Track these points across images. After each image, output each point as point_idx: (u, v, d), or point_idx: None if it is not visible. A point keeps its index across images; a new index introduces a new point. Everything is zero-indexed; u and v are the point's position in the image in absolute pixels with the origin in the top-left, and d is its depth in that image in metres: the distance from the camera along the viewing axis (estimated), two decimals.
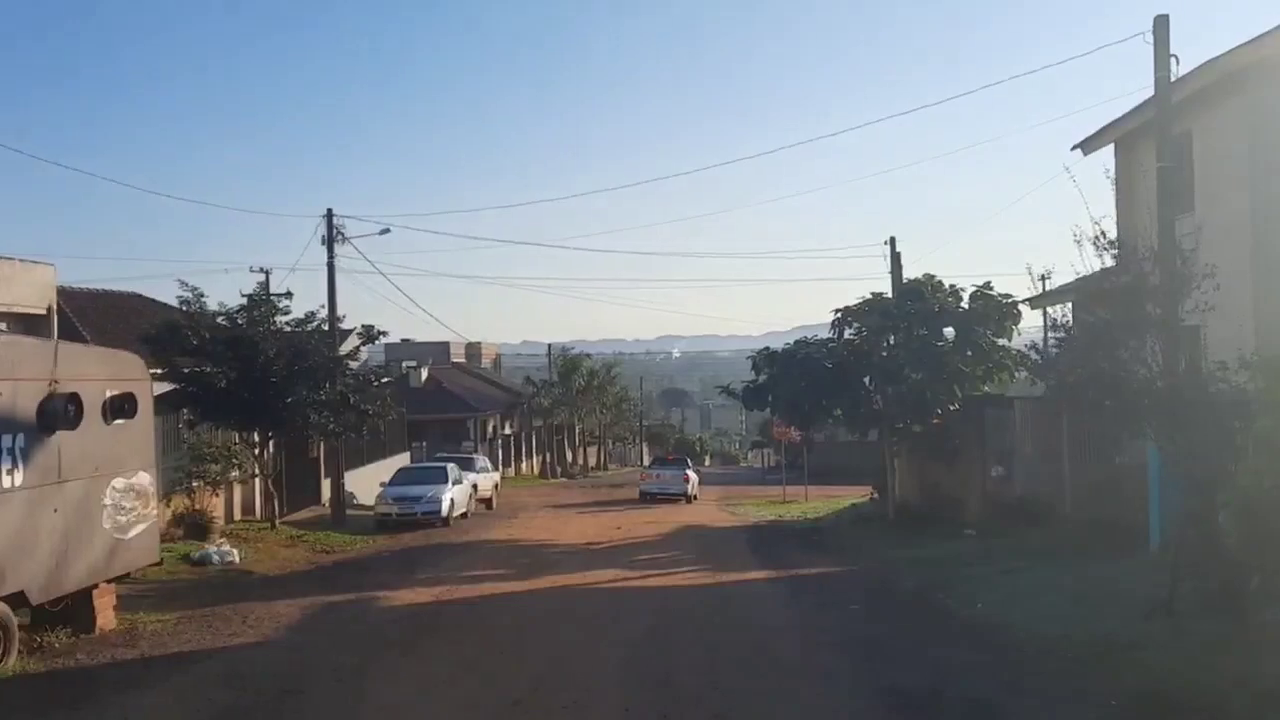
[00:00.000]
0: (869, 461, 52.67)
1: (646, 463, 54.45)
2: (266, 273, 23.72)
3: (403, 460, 40.63)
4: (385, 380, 25.88)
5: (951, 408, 22.39)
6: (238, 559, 18.47)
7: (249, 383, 22.73)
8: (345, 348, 26.26)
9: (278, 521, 24.88)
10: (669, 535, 23.51)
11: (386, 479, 29.68)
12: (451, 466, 29.67)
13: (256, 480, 25.17)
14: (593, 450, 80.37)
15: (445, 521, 26.92)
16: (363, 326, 25.16)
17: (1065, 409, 16.49)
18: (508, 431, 65.57)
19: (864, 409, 23.11)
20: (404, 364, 69.67)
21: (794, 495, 38.39)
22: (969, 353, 22.47)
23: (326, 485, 32.52)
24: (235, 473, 22.16)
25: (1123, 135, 19.51)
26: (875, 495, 28.72)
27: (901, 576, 14.29)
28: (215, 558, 18.09)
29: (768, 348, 24.01)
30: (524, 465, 65.23)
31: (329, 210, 27.33)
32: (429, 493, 26.97)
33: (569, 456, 69.23)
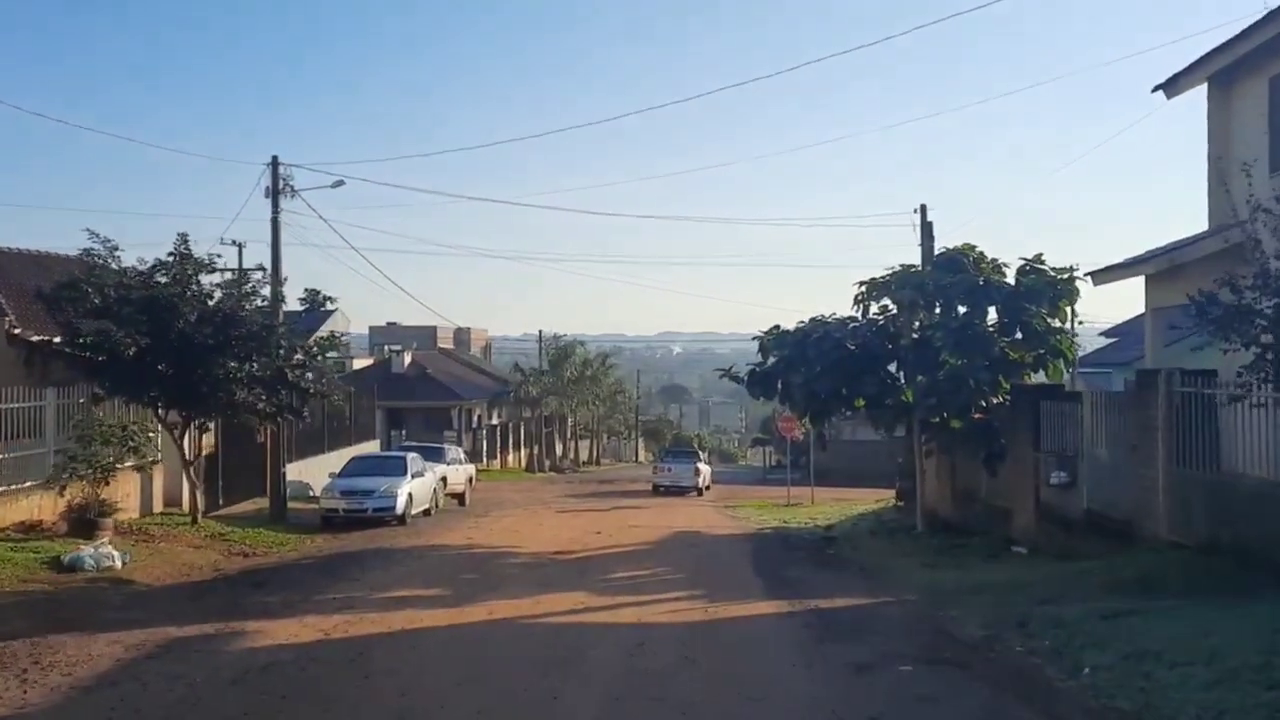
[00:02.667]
0: (878, 462, 49.46)
1: (656, 456, 53.58)
2: (184, 235, 20.08)
3: (372, 448, 37.05)
4: (329, 353, 22.16)
5: (995, 400, 18.82)
6: (119, 564, 14.90)
7: (164, 351, 19.21)
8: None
9: (202, 516, 21.32)
10: (656, 544, 19.92)
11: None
12: (413, 457, 26.09)
13: (192, 466, 21.62)
14: (585, 444, 76.75)
15: (401, 519, 23.41)
16: (306, 291, 21.62)
17: (1164, 399, 12.95)
18: (494, 422, 62.01)
19: (892, 400, 19.50)
20: (387, 348, 66.25)
21: (799, 497, 34.87)
22: (1019, 335, 18.90)
23: (284, 474, 29.08)
24: (131, 459, 18.53)
25: (1220, 70, 15.99)
26: (899, 501, 25.15)
27: (958, 615, 10.65)
28: (90, 562, 14.52)
29: (777, 326, 20.36)
30: (510, 458, 61.62)
31: (274, 158, 23.72)
32: (382, 486, 23.45)
33: (559, 450, 65.61)
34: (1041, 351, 18.87)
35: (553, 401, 59.11)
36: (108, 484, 17.46)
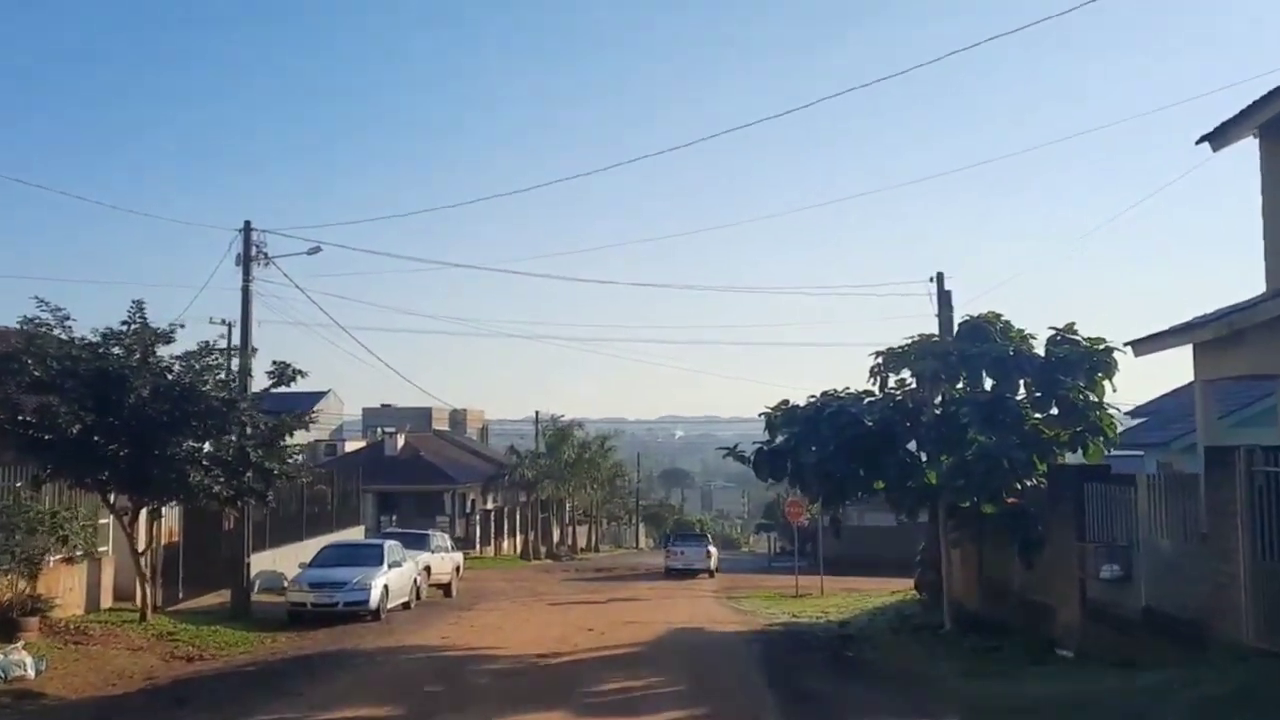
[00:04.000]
0: (890, 549, 47.03)
1: (666, 541, 53.99)
2: (139, 303, 18.53)
3: (356, 535, 34.99)
4: (295, 431, 20.35)
5: (1030, 482, 16.95)
6: (32, 672, 12.96)
7: (114, 429, 17.47)
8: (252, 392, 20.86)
9: (155, 612, 19.40)
10: (653, 644, 17.86)
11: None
12: (391, 545, 24.10)
13: (145, 556, 19.67)
14: (584, 530, 74.37)
15: (375, 614, 21.39)
16: (275, 363, 19.85)
17: (1243, 480, 11.10)
18: (489, 506, 59.83)
19: (914, 482, 17.61)
20: (380, 429, 64.40)
21: (807, 587, 32.64)
22: (1054, 411, 17.09)
23: (248, 565, 27.10)
24: (59, 550, 16.62)
25: (1272, 118, 14.46)
26: (919, 593, 23.09)
27: None
28: None
29: (786, 401, 18.55)
30: (506, 544, 59.34)
31: (246, 223, 22.18)
32: (355, 577, 21.43)
33: (556, 536, 63.27)
34: (1079, 429, 17.06)
35: (549, 485, 56.96)
36: (35, 578, 15.51)
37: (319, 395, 64.46)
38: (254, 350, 22.32)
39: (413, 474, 55.82)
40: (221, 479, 18.51)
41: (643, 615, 23.36)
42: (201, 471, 18.12)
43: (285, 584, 24.06)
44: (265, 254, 22.14)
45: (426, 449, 59.49)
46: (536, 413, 61.43)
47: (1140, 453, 27.65)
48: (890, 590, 29.01)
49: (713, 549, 44.90)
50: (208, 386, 18.69)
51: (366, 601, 21.18)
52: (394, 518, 51.68)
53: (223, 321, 44.98)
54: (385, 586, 21.93)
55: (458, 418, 72.16)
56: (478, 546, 54.94)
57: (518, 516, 60.80)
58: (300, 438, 64.55)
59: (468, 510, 57.45)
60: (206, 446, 19.36)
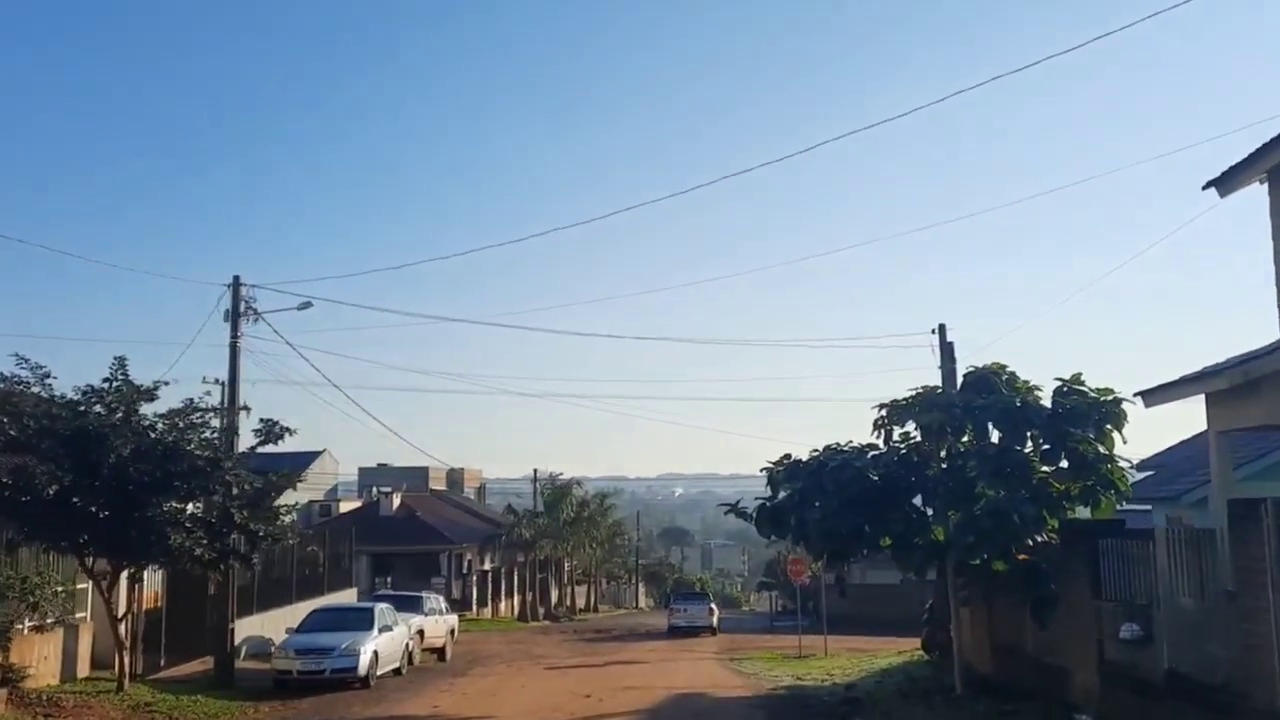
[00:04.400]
0: (894, 607, 46.23)
1: (669, 600, 55.91)
2: (120, 359, 18.08)
3: (349, 598, 34.17)
4: (282, 491, 19.76)
5: (1040, 538, 16.35)
6: None
7: (93, 490, 16.92)
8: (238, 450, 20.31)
9: (134, 680, 18.73)
10: (652, 712, 17.16)
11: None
12: (382, 609, 23.35)
13: (123, 623, 18.99)
14: (582, 590, 73.21)
15: (364, 682, 20.64)
16: (262, 421, 19.32)
17: (1274, 535, 10.53)
18: (487, 567, 58.89)
19: (922, 539, 17.00)
20: (375, 489, 63.57)
21: (810, 647, 31.79)
22: (1064, 464, 16.54)
23: (232, 630, 26.36)
24: (30, 617, 15.98)
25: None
26: (926, 653, 22.37)
27: None
28: None
29: (789, 455, 17.97)
30: (503, 605, 58.26)
31: (235, 278, 21.75)
32: (344, 643, 20.71)
33: (554, 596, 62.19)
34: (1090, 482, 16.49)
35: (547, 544, 56.07)
36: (6, 648, 14.85)
37: (313, 455, 63.79)
38: (246, 409, 21.78)
39: (408, 534, 54.96)
40: (204, 541, 17.90)
41: (642, 679, 22.59)
42: (183, 533, 17.51)
43: (272, 650, 23.26)
44: (255, 309, 21.72)
45: (422, 509, 58.69)
46: (535, 470, 60.75)
47: (1148, 507, 27.04)
48: (896, 649, 28.24)
49: (714, 607, 46.53)
50: (191, 445, 18.14)
51: (355, 668, 20.44)
52: (389, 580, 50.73)
53: (216, 381, 44.75)
54: (375, 652, 21.19)
55: (455, 477, 71.40)
56: (474, 608, 53.94)
57: (515, 577, 59.82)
58: (292, 498, 63.83)
59: (464, 571, 56.49)
60: (190, 508, 18.80)
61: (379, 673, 21.60)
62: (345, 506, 61.91)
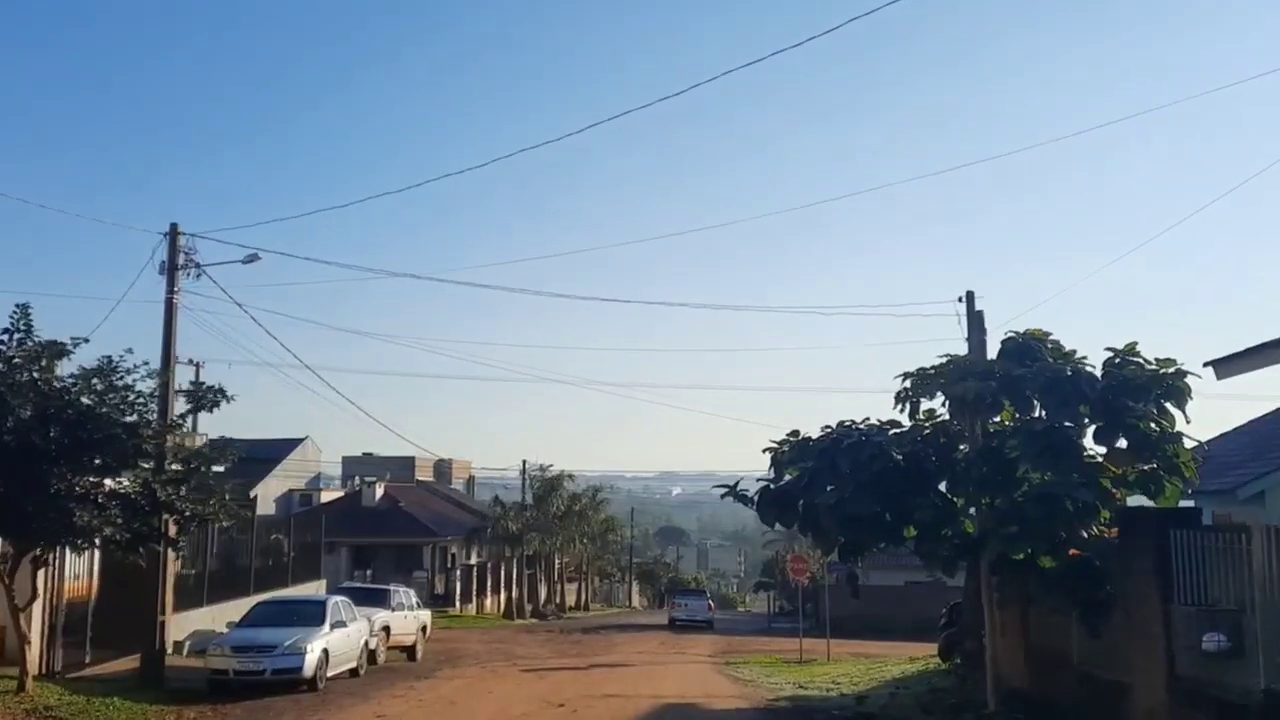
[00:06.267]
0: (900, 610, 43.77)
1: (668, 596, 64.17)
2: (23, 307, 15.60)
3: (314, 590, 31.68)
4: (214, 465, 17.29)
5: (1094, 530, 13.93)
6: None
7: None
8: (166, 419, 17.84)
9: (43, 678, 16.31)
10: None
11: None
12: (337, 602, 20.88)
13: (25, 613, 16.54)
14: (573, 587, 70.72)
15: (312, 684, 18.20)
16: (192, 383, 16.86)
17: None
18: (472, 561, 56.49)
19: (952, 529, 14.56)
20: (358, 478, 61.09)
21: (811, 651, 29.38)
22: (1122, 443, 14.09)
23: (175, 620, 23.97)
24: None
25: None
26: (944, 661, 19.99)
27: None
28: None
29: (796, 432, 15.51)
30: (489, 601, 55.78)
31: (172, 226, 19.22)
32: (288, 640, 18.25)
33: (543, 593, 59.68)
34: (1152, 466, 14.05)
35: (536, 539, 53.55)
36: None
37: (294, 443, 61.36)
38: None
39: (391, 526, 52.63)
40: (118, 520, 15.42)
41: (626, 686, 20.16)
42: (91, 511, 15.03)
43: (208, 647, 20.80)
44: (195, 262, 19.15)
45: (407, 500, 56.29)
46: (524, 462, 58.20)
47: (1190, 503, 24.57)
48: (908, 656, 25.85)
49: (712, 603, 53.42)
50: (107, 410, 15.68)
51: (300, 669, 17.99)
52: (369, 572, 48.41)
53: (190, 361, 42.31)
54: (325, 651, 18.74)
55: (443, 468, 68.97)
56: (458, 604, 51.52)
57: (502, 572, 57.35)
58: (274, 487, 61.14)
59: (449, 565, 54.10)
60: (110, 483, 16.36)
61: (331, 674, 19.19)
62: (327, 496, 59.52)
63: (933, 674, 19.87)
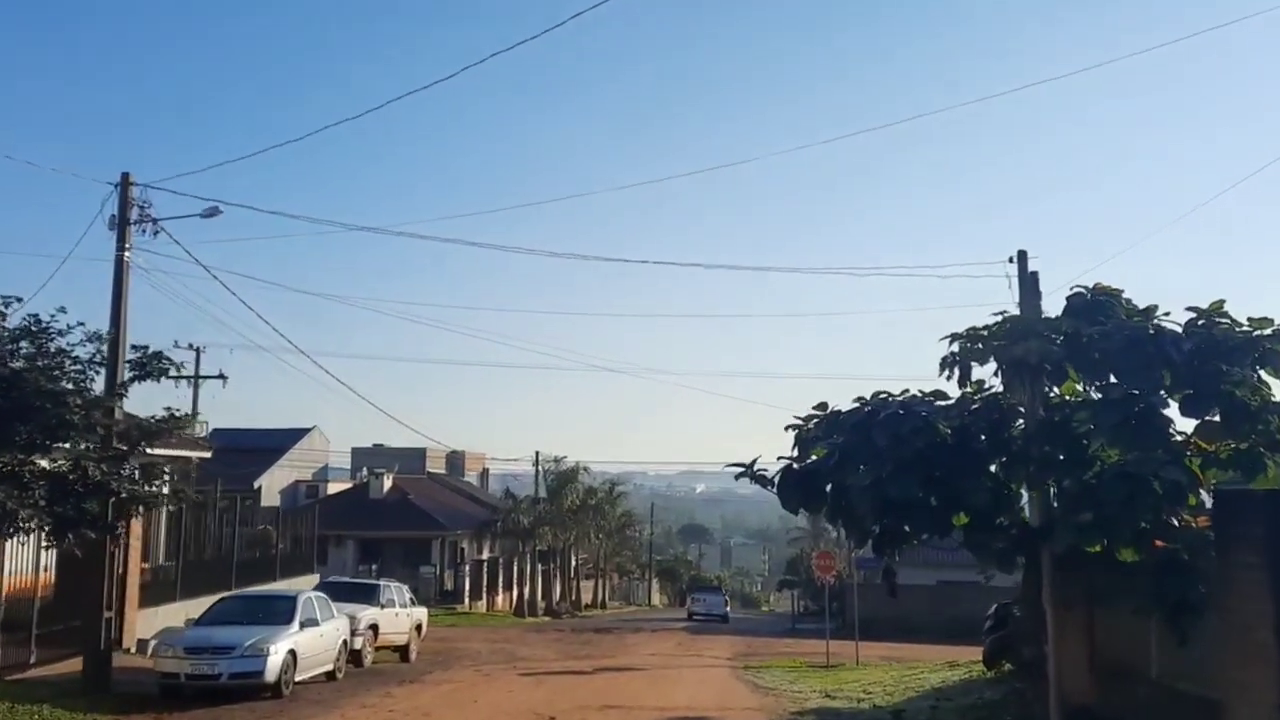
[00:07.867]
0: (932, 611, 41.27)
1: (688, 591, 65.61)
2: None
3: (305, 586, 29.67)
4: (154, 436, 15.25)
5: (1182, 518, 11.65)
6: None
7: None
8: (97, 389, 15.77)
9: None
10: None
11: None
12: (309, 598, 18.82)
13: None
14: (590, 584, 68.61)
15: (276, 689, 16.15)
16: (135, 348, 14.84)
17: None
18: (483, 556, 54.44)
19: (1008, 516, 12.31)
20: (367, 470, 59.23)
21: (838, 655, 27.11)
22: (1215, 415, 11.81)
23: (144, 616, 22.16)
24: None
25: None
26: (989, 668, 17.74)
27: None
28: None
29: (825, 404, 13.28)
30: (500, 598, 53.82)
31: (124, 175, 17.15)
32: (248, 640, 16.19)
33: (557, 590, 57.61)
34: (1249, 442, 11.76)
35: (549, 533, 51.47)
36: None
37: (301, 432, 59.51)
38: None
39: (399, 519, 50.75)
40: (40, 503, 13.40)
41: (631, 695, 18.00)
42: (8, 491, 13.02)
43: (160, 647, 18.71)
44: (150, 216, 17.08)
45: (416, 492, 54.40)
46: (537, 453, 56.07)
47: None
48: (945, 661, 23.52)
49: (728, 599, 58.13)
50: (34, 376, 13.68)
51: (260, 672, 15.92)
52: (374, 567, 46.51)
53: (190, 346, 40.34)
54: (292, 652, 16.67)
55: (455, 460, 67.00)
56: (467, 601, 49.59)
57: (514, 568, 55.34)
58: (280, 477, 58.97)
59: (458, 560, 52.13)
60: (46, 462, 14.38)
61: (301, 678, 17.16)
62: (335, 488, 57.67)
63: (978, 683, 17.60)
